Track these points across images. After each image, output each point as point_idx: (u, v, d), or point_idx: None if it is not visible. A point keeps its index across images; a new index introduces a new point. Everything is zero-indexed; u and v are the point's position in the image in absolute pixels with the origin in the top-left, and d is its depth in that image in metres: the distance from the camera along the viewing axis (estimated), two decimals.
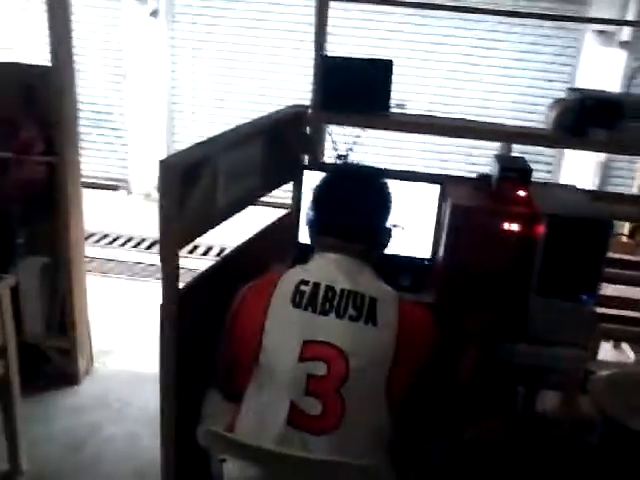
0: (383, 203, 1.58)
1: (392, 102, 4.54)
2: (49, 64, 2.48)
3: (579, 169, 5.13)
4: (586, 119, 2.29)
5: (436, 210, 2.23)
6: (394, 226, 2.28)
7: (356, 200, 1.54)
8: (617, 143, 2.30)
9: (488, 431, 2.37)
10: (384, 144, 5.01)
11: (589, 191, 2.40)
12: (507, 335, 2.00)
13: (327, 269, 1.48)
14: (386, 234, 1.60)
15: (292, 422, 1.39)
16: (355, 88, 2.25)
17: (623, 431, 2.28)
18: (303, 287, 1.45)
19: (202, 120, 5.68)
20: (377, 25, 5.16)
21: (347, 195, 1.55)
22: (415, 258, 2.31)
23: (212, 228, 1.84)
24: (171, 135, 5.87)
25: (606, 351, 3.33)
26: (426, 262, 2.29)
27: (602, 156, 4.99)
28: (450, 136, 2.69)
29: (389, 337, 1.42)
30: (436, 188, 2.24)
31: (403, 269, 2.27)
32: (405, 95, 5.07)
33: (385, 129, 2.41)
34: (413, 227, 2.28)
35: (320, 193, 1.58)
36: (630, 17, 4.84)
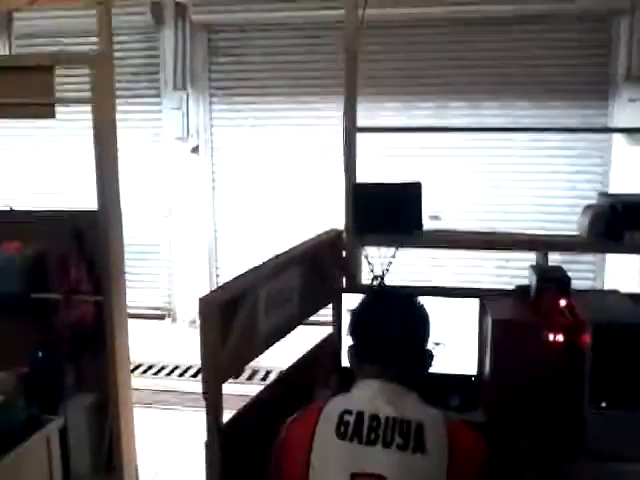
0: (420, 327, 1.58)
1: (426, 214, 4.64)
2: (97, 208, 2.62)
3: (623, 273, 5.03)
4: (620, 223, 2.29)
5: (477, 325, 2.21)
6: (436, 344, 2.28)
7: (392, 326, 1.53)
8: None
9: None
10: (420, 260, 5.04)
11: (634, 295, 2.35)
12: (564, 452, 1.91)
13: (370, 397, 1.46)
14: (426, 357, 1.59)
15: None
16: (387, 211, 2.32)
17: None
18: (347, 417, 1.42)
19: (243, 247, 5.85)
20: (406, 143, 5.34)
21: (383, 322, 1.55)
22: (462, 376, 2.26)
23: (254, 358, 1.86)
24: (214, 262, 6.05)
25: None
26: (474, 379, 2.24)
27: None
28: (483, 249, 2.70)
29: (439, 464, 1.38)
30: (475, 302, 2.23)
31: (451, 388, 2.22)
32: (439, 206, 5.21)
33: (418, 247, 2.44)
34: (457, 344, 2.26)
35: (356, 321, 1.59)
36: None
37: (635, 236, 2.28)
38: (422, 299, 2.22)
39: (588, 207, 2.46)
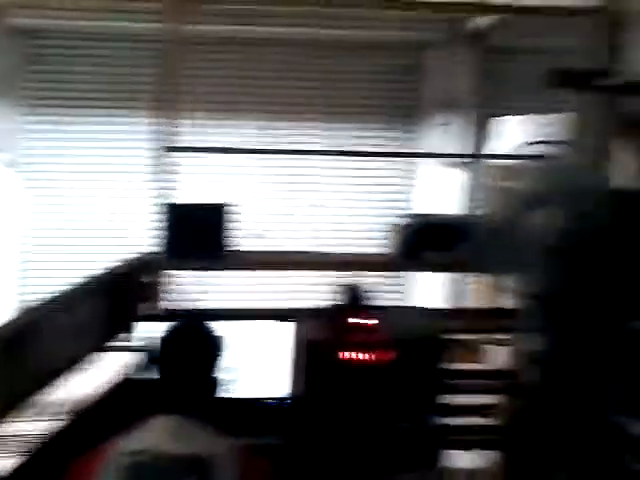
0: (206, 354, 1.54)
1: (252, 234, 4.61)
2: None
3: (436, 290, 5.36)
4: (422, 243, 2.42)
5: (288, 347, 2.21)
6: (236, 369, 2.25)
7: (176, 357, 1.50)
8: (452, 264, 2.44)
9: None
10: (235, 282, 5.00)
11: (433, 310, 2.51)
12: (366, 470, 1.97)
13: (158, 434, 1.40)
14: (214, 384, 1.54)
15: None
16: (193, 234, 2.26)
17: None
18: (133, 458, 1.35)
19: (58, 268, 5.44)
20: (230, 162, 5.32)
21: (169, 354, 1.50)
22: (271, 399, 2.24)
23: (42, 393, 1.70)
24: (23, 287, 5.56)
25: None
26: (284, 402, 2.24)
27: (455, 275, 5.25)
28: (288, 269, 2.73)
29: None
30: (289, 325, 2.23)
31: (259, 412, 2.20)
32: (265, 226, 5.25)
33: (225, 269, 2.40)
34: (266, 366, 2.24)
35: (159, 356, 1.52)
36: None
37: (432, 255, 2.43)
38: (233, 323, 2.22)
39: (395, 226, 2.58)
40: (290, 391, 2.20)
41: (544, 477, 2.12)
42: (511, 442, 1.88)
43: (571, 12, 2.76)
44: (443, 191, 5.24)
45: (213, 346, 1.56)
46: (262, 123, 5.36)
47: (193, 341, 1.53)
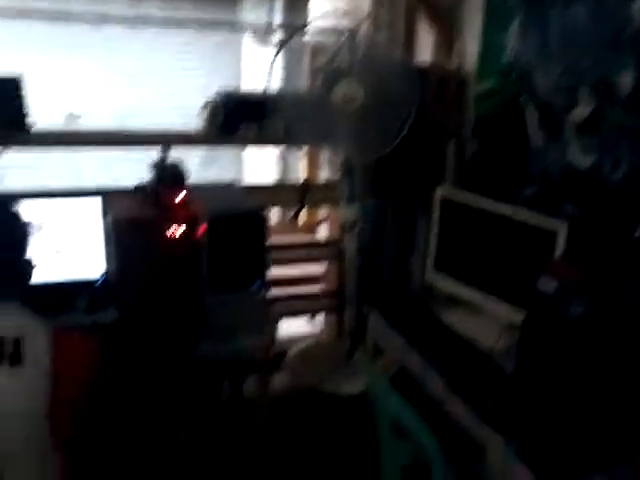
0: (13, 236, 1.45)
1: (65, 113, 4.25)
2: None
3: (263, 164, 5.41)
4: (234, 117, 2.41)
5: (102, 226, 2.16)
6: (57, 252, 2.17)
7: None
8: (262, 137, 2.47)
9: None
10: (42, 162, 4.68)
11: (245, 187, 2.55)
12: (189, 336, 2.03)
13: None
14: (25, 268, 1.48)
15: None
16: None
17: (320, 395, 2.51)
18: None
19: None
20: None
21: None
22: (89, 279, 2.21)
23: None
24: None
25: (301, 326, 3.59)
26: (101, 281, 2.21)
27: (280, 149, 5.33)
28: (99, 147, 2.60)
29: (40, 374, 1.34)
30: (97, 202, 2.17)
31: (78, 293, 2.17)
32: (79, 105, 4.85)
33: (25, 146, 2.22)
34: (83, 247, 2.18)
35: None
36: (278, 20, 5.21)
37: (249, 130, 2.44)
38: (43, 203, 2.10)
39: (207, 103, 2.54)
40: (105, 269, 2.18)
41: None
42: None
43: None
44: (261, 69, 5.19)
45: (20, 226, 1.47)
46: None
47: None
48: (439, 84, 2.57)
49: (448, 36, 2.69)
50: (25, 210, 1.49)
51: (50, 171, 4.76)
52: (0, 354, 1.30)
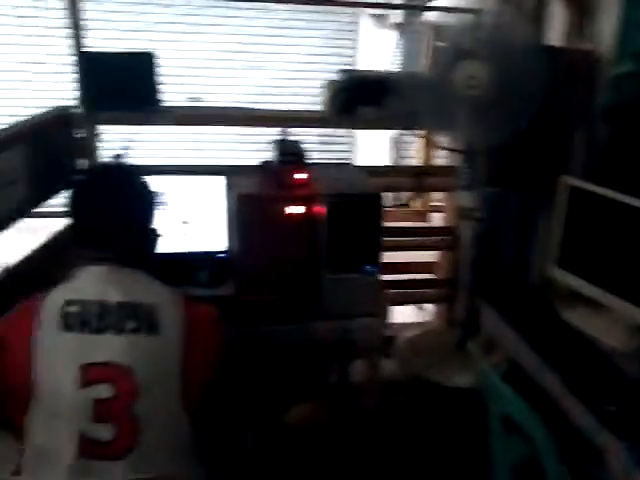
0: (139, 204, 1.49)
1: (186, 96, 4.44)
2: None
3: (377, 147, 5.40)
4: (354, 99, 2.40)
5: (225, 202, 2.22)
6: (184, 223, 2.26)
7: (106, 204, 1.42)
8: (383, 120, 2.44)
9: (308, 412, 2.45)
10: (167, 138, 4.88)
11: (364, 167, 2.53)
12: (303, 314, 2.06)
13: (94, 284, 1.36)
14: (150, 236, 1.51)
15: (84, 453, 1.28)
16: (117, 84, 2.14)
17: (428, 385, 2.48)
18: (71, 308, 1.32)
19: None
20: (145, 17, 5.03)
21: (96, 200, 1.43)
22: (212, 253, 2.29)
23: None
24: None
25: (411, 313, 3.56)
26: (223, 256, 2.29)
27: (396, 132, 5.30)
28: (222, 125, 2.67)
29: (174, 343, 1.36)
30: (222, 180, 2.23)
31: (200, 265, 2.25)
32: (200, 89, 5.04)
33: (155, 124, 2.32)
34: (206, 222, 2.27)
35: (70, 200, 1.44)
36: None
37: (367, 111, 2.42)
38: (169, 179, 2.20)
39: (328, 83, 2.54)
40: (228, 244, 2.24)
41: None
42: None
43: None
44: (382, 50, 5.15)
45: (148, 197, 1.51)
46: None
47: (126, 188, 1.47)
48: (570, 66, 2.43)
49: (582, 14, 2.52)
50: (154, 184, 1.54)
51: (175, 146, 5.01)
52: (137, 321, 1.34)
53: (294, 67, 5.40)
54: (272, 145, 2.18)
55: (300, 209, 2.01)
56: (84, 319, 1.31)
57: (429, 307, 3.45)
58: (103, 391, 1.29)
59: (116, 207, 1.43)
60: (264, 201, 2.02)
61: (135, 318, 1.33)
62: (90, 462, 1.28)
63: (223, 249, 2.28)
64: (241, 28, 5.23)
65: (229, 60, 5.33)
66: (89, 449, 1.28)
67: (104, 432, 1.29)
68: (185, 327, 1.38)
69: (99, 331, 1.31)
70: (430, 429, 2.59)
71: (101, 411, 1.29)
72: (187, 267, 2.22)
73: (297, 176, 2.05)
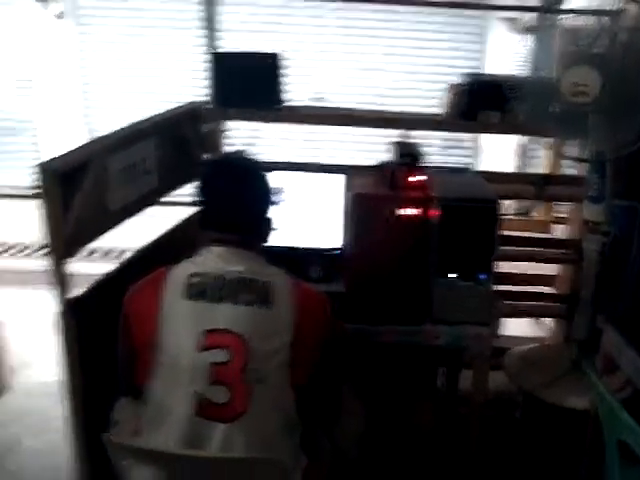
0: (259, 194, 1.58)
1: (310, 95, 4.54)
2: None
3: (501, 152, 5.26)
4: (476, 102, 2.35)
5: (343, 201, 2.25)
6: (301, 218, 2.31)
7: (230, 192, 1.53)
8: (504, 125, 2.37)
9: (419, 412, 2.43)
10: (290, 136, 5.00)
11: (482, 172, 2.47)
12: (412, 316, 2.05)
13: (215, 260, 1.49)
14: (266, 225, 1.60)
15: (200, 413, 1.38)
16: (246, 83, 2.24)
17: (540, 403, 2.37)
18: (194, 279, 1.44)
19: (115, 120, 5.54)
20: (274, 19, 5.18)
21: (220, 186, 1.55)
22: (326, 249, 2.33)
23: (104, 232, 1.80)
24: (87, 136, 5.71)
25: (524, 326, 3.43)
26: (336, 252, 2.32)
27: (522, 138, 5.13)
28: (345, 125, 2.70)
29: (286, 317, 1.45)
30: (341, 178, 2.26)
31: (312, 261, 2.29)
32: (324, 88, 5.14)
33: (278, 122, 2.40)
34: (322, 219, 2.31)
35: (198, 186, 1.57)
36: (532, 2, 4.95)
37: (489, 116, 2.36)
38: (289, 175, 2.27)
39: (450, 86, 2.51)
40: (342, 242, 2.27)
41: None
42: None
43: None
44: (511, 54, 4.98)
45: (266, 187, 1.60)
46: None
47: (247, 177, 1.57)
48: None
49: None
50: (275, 179, 1.61)
51: (296, 145, 5.14)
52: (252, 294, 1.44)
53: (419, 69, 5.36)
54: (391, 146, 2.18)
55: (414, 211, 2.00)
56: (205, 289, 1.43)
57: (546, 322, 3.31)
58: (219, 355, 1.39)
59: (237, 193, 1.53)
60: (378, 201, 2.03)
61: (250, 292, 1.44)
62: (205, 421, 1.38)
63: (336, 246, 2.31)
64: (367, 30, 5.26)
65: (354, 62, 5.38)
66: (205, 409, 1.38)
67: (219, 394, 1.39)
68: (296, 305, 1.46)
69: (217, 301, 1.42)
70: (536, 448, 2.48)
71: (217, 374, 1.39)
72: (300, 261, 2.26)
73: (412, 178, 2.04)
